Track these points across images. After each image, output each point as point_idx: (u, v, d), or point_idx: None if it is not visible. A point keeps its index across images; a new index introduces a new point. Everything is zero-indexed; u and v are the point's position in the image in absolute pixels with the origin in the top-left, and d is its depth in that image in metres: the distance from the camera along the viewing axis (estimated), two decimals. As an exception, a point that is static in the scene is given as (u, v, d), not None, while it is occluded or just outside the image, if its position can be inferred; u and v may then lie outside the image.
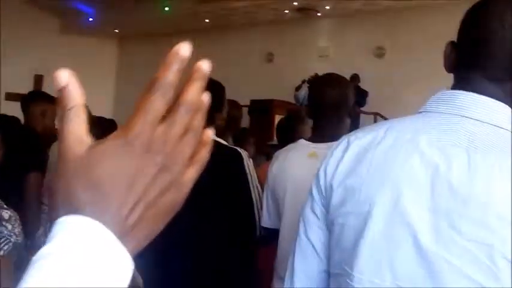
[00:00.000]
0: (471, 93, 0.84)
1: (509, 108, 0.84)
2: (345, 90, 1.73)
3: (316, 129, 1.75)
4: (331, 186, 0.91)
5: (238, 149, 1.93)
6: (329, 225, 0.92)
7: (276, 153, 1.89)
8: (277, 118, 6.77)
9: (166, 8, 8.55)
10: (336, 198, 0.90)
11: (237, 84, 8.52)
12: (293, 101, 7.82)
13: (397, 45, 7.86)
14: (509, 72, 0.85)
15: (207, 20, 8.66)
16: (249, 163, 1.91)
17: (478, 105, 0.83)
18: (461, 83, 0.87)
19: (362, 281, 0.83)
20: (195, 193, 1.58)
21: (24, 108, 2.89)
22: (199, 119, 0.41)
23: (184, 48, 0.40)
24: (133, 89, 8.87)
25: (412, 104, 1.10)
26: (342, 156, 0.91)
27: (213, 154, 1.59)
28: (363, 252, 0.83)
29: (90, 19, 9.67)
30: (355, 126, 1.78)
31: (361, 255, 0.83)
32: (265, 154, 4.05)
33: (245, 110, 7.60)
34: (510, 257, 0.73)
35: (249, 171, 1.89)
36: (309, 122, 1.97)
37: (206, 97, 0.41)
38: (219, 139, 1.98)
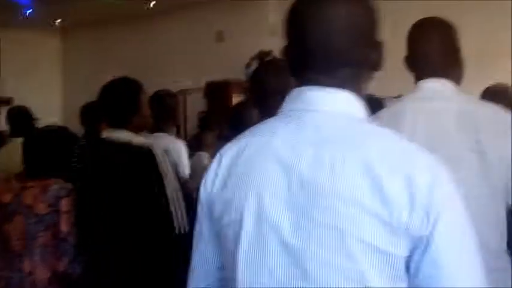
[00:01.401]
0: (312, 87, 0.91)
1: (350, 94, 0.91)
2: (288, 77, 1.72)
3: (263, 119, 1.73)
4: (211, 200, 0.96)
5: (149, 146, 1.93)
6: (218, 236, 0.97)
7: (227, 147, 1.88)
8: (235, 98, 6.69)
9: (108, -6, 8.21)
10: (216, 212, 0.94)
11: (190, 67, 8.36)
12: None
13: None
14: (334, 61, 0.91)
15: (152, 4, 8.39)
16: (164, 159, 1.90)
17: (319, 98, 0.90)
18: (302, 81, 0.95)
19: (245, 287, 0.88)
20: (109, 196, 1.52)
21: None
22: None
23: None
24: (81, 81, 8.47)
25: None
26: (217, 171, 0.96)
27: (123, 155, 1.54)
28: (240, 259, 0.88)
29: (28, 11, 9.20)
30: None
31: (239, 262, 0.88)
32: (226, 138, 3.97)
33: (201, 94, 7.47)
34: (365, 238, 0.78)
35: (164, 168, 1.88)
36: None
37: None
38: (135, 138, 1.95)
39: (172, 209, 1.85)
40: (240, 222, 0.88)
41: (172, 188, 1.89)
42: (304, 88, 0.93)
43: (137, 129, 2.03)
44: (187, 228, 1.85)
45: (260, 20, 8.61)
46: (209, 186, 0.97)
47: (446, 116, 1.60)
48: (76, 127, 4.73)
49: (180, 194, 1.89)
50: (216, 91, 7.08)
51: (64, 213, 2.08)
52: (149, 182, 1.87)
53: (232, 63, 7.70)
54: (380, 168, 0.81)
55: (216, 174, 0.96)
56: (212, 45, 8.62)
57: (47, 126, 2.49)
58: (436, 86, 1.68)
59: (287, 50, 0.99)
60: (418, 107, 1.66)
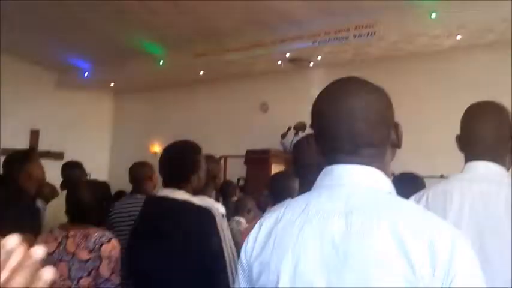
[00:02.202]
0: (340, 165, 1.03)
1: (376, 170, 1.02)
2: None
3: (303, 189, 1.80)
4: (250, 264, 1.06)
5: (210, 208, 1.95)
6: None
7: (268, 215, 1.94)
8: (274, 167, 6.77)
9: (161, 62, 8.70)
10: (255, 274, 1.04)
11: (234, 134, 8.59)
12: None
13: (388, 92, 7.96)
14: (358, 143, 1.03)
15: (202, 72, 8.79)
16: (222, 221, 1.92)
17: (347, 174, 1.02)
18: (332, 161, 1.05)
19: None
20: (170, 254, 1.60)
21: (14, 170, 2.88)
22: None
23: (10, 241, 0.40)
24: (129, 142, 8.76)
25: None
26: (256, 237, 1.07)
27: (185, 215, 1.65)
28: None
29: (86, 74, 9.80)
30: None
31: None
32: (261, 207, 4.02)
33: (242, 161, 7.61)
34: None
35: (222, 230, 1.91)
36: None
37: (48, 273, 0.40)
38: (193, 199, 1.99)
39: (228, 271, 1.88)
40: (276, 283, 0.97)
41: (229, 250, 1.92)
42: (333, 166, 1.05)
43: (193, 190, 2.09)
44: None
45: (302, 93, 8.82)
46: (249, 250, 1.07)
47: (495, 200, 1.59)
48: (121, 183, 4.91)
49: (236, 255, 1.91)
50: (256, 159, 7.20)
51: (105, 259, 2.14)
52: (209, 242, 1.90)
53: (274, 133, 7.89)
54: (405, 234, 0.89)
55: (256, 240, 1.06)
56: (256, 114, 8.88)
57: (88, 180, 2.61)
58: (486, 169, 1.68)
59: (315, 138, 1.10)
60: (466, 188, 1.66)
